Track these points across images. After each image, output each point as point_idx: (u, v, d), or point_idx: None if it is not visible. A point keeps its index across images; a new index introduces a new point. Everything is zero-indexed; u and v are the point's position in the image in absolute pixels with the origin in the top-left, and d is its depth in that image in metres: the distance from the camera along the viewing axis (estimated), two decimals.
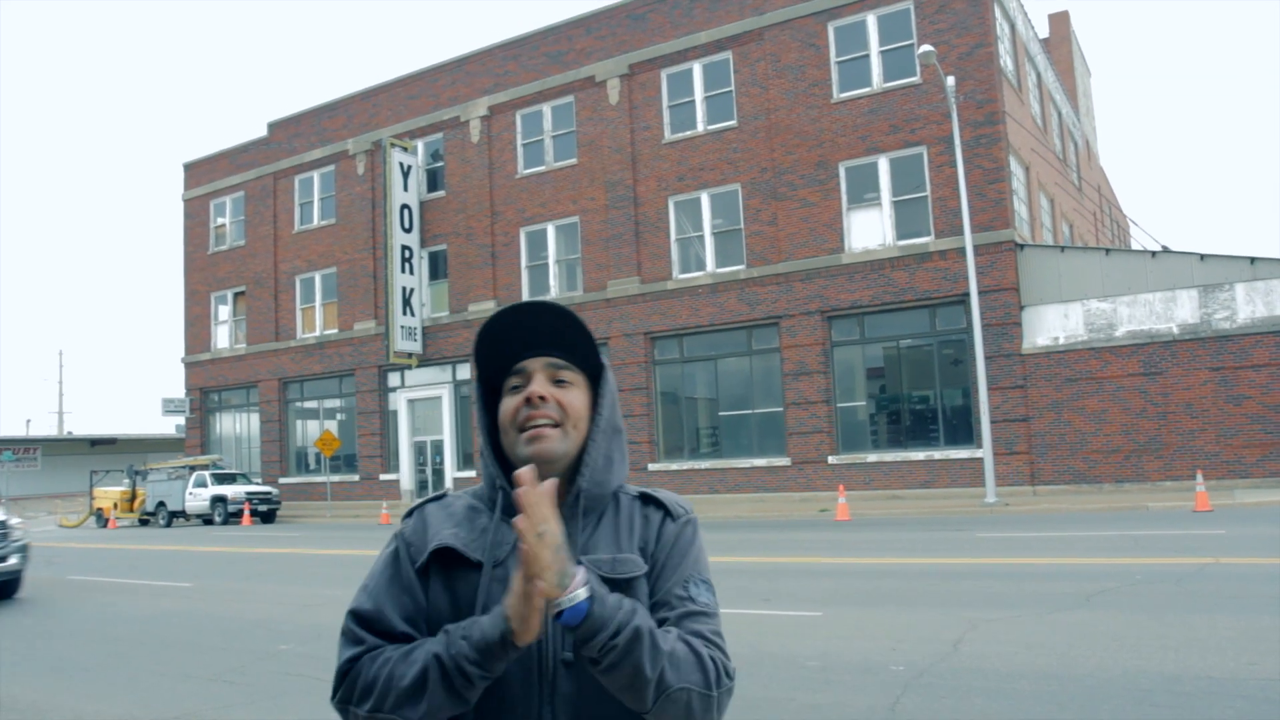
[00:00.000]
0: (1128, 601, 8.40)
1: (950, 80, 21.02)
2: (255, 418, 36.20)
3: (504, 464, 1.59)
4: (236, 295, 37.21)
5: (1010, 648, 6.85)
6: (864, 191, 23.90)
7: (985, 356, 20.83)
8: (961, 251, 21.62)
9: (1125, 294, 21.04)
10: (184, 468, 33.15)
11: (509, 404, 1.57)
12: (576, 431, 1.56)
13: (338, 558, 17.05)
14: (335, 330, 33.49)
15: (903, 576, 10.81)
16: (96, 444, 57.65)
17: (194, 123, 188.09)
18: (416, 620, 1.52)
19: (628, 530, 1.57)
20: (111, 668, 8.06)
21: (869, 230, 23.74)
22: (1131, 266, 21.40)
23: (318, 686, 6.93)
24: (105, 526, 33.84)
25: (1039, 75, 28.92)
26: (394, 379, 32.05)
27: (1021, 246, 22.27)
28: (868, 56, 23.96)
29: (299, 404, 35.19)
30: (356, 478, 32.38)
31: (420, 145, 31.79)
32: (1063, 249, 22.57)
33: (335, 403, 34.14)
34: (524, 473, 1.34)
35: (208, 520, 30.74)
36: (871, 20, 23.93)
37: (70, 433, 65.67)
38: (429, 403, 31.24)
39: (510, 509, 1.53)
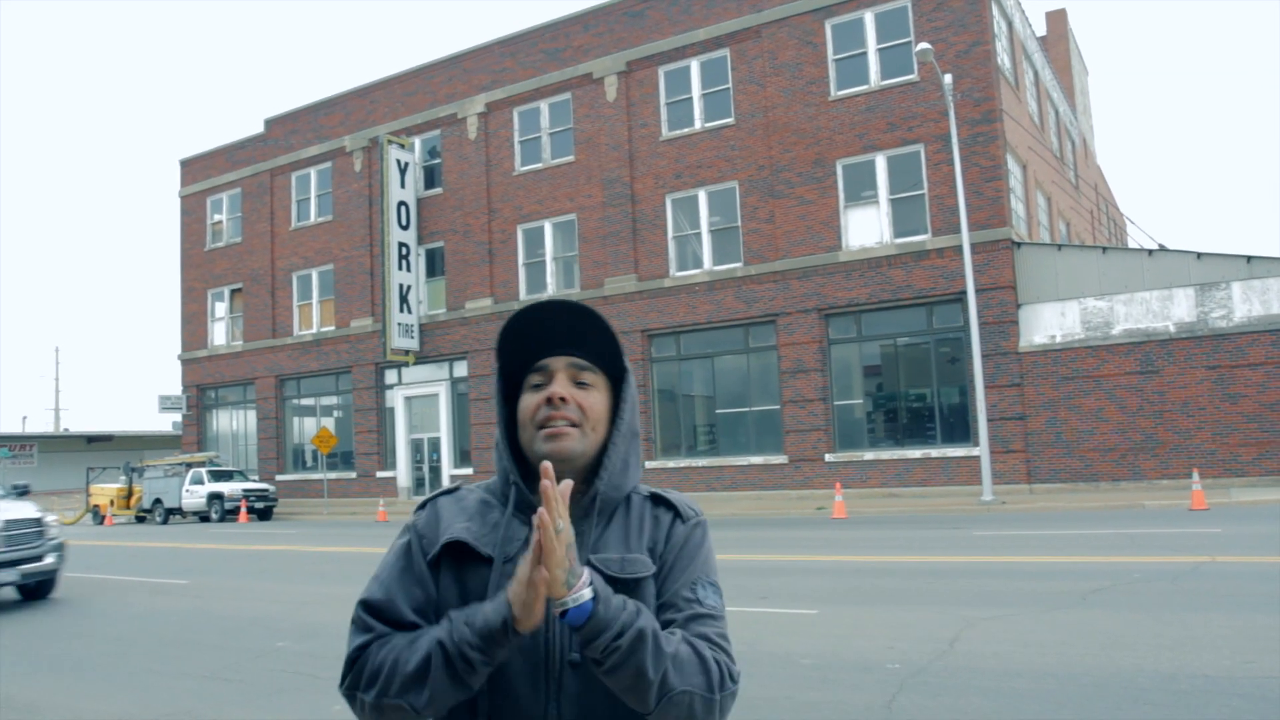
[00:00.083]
0: (1124, 600, 8.41)
1: (947, 78, 21.02)
2: (252, 415, 36.18)
3: (519, 460, 1.60)
4: (233, 292, 37.17)
5: (1007, 646, 6.86)
6: (861, 189, 23.91)
7: (982, 355, 20.85)
8: (958, 249, 21.63)
9: (1122, 292, 21.07)
10: (181, 465, 33.10)
11: (529, 401, 1.57)
12: (594, 434, 1.57)
13: (334, 555, 17.04)
14: (332, 327, 33.46)
15: (899, 575, 10.82)
16: (93, 441, 57.58)
17: (191, 119, 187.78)
18: (426, 612, 1.53)
19: (638, 530, 1.58)
20: (108, 666, 8.05)
21: (866, 228, 23.75)
22: (1128, 265, 21.42)
23: (314, 684, 6.93)
24: (102, 524, 33.79)
25: (1036, 73, 28.94)
26: (391, 376, 32.04)
27: (1018, 245, 22.28)
28: (865, 54, 23.96)
29: (296, 401, 35.16)
30: (353, 475, 32.38)
31: (417, 142, 31.77)
32: (1060, 247, 22.59)
33: (332, 400, 34.13)
34: (548, 466, 1.35)
35: (204, 517, 30.71)
36: (869, 18, 23.93)
37: (67, 430, 65.58)
38: (426, 400, 31.24)
39: (522, 505, 1.55)
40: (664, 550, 1.57)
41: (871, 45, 23.88)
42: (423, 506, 1.66)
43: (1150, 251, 21.39)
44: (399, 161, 30.81)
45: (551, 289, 28.51)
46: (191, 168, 38.78)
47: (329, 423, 33.56)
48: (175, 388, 39.17)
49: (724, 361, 25.81)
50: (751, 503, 23.55)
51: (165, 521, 31.81)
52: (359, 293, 32.70)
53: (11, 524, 11.41)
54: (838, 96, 24.17)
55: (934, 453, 22.40)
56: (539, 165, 29.09)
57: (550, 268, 28.74)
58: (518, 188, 29.41)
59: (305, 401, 35.03)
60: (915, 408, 23.27)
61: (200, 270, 37.94)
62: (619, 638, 1.35)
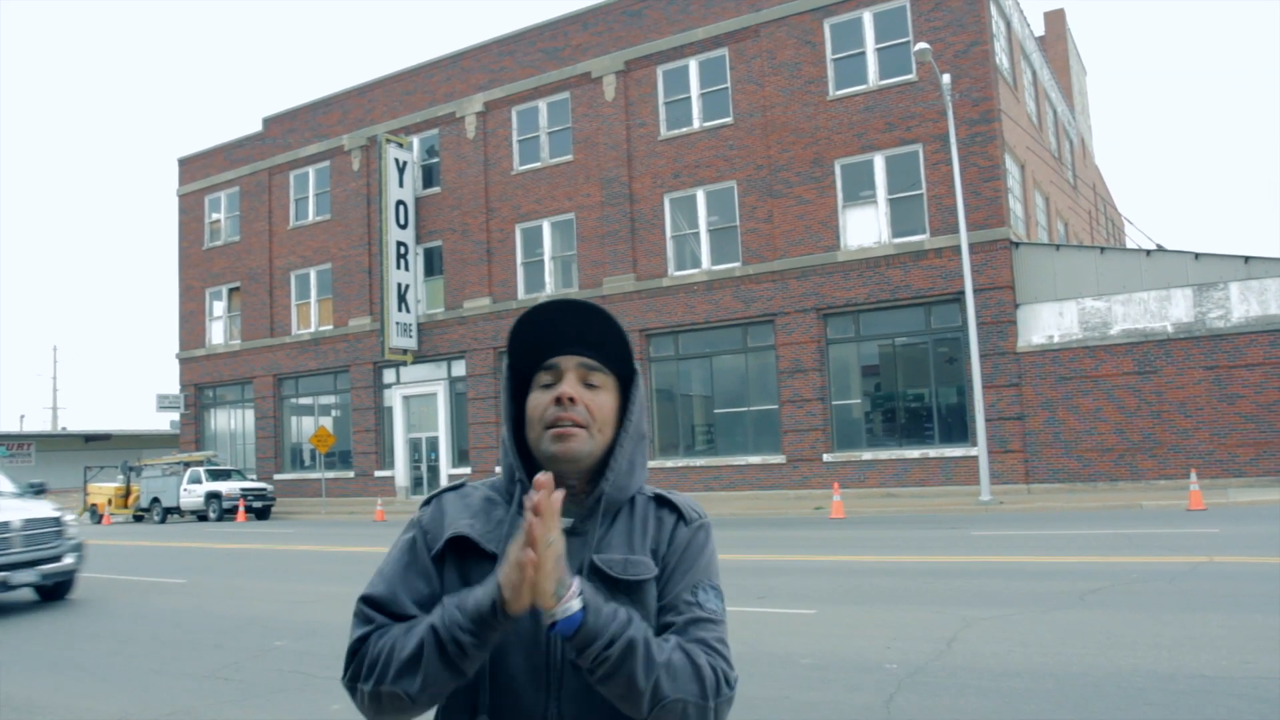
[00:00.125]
0: (1122, 600, 8.42)
1: (946, 78, 21.03)
2: (250, 414, 36.15)
3: (525, 457, 1.60)
4: (231, 291, 37.15)
5: (1005, 646, 6.86)
6: (860, 189, 23.92)
7: (980, 355, 20.86)
8: (957, 249, 21.64)
9: (1120, 293, 21.08)
10: (179, 464, 33.09)
11: (538, 399, 1.57)
12: (601, 435, 1.57)
13: (332, 554, 17.04)
14: (330, 326, 33.44)
15: (897, 574, 10.82)
16: (91, 440, 57.48)
17: (189, 118, 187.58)
18: (429, 606, 1.53)
19: (641, 531, 1.58)
20: (106, 664, 8.04)
21: (864, 228, 23.76)
22: (1126, 265, 21.44)
23: (312, 683, 6.93)
24: (99, 523, 33.76)
25: (1034, 73, 28.95)
26: (389, 375, 32.02)
27: (1017, 245, 22.30)
28: (864, 54, 23.97)
29: (294, 400, 35.15)
30: (351, 474, 32.36)
31: (416, 141, 31.75)
32: (1058, 247, 22.60)
33: (330, 399, 34.11)
34: (543, 478, 1.34)
35: (202, 516, 30.69)
36: (867, 17, 23.93)
37: (65, 428, 65.49)
38: (424, 399, 31.22)
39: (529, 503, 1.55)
40: (666, 553, 1.57)
41: (870, 45, 23.89)
42: (428, 502, 1.66)
43: (1148, 252, 21.40)
44: (397, 160, 30.79)
45: (550, 288, 28.51)
46: (190, 166, 38.75)
47: (327, 422, 33.55)
48: (173, 387, 39.17)
49: (722, 361, 25.81)
50: (749, 502, 23.55)
51: (163, 521, 31.78)
52: (357, 292, 32.68)
53: (31, 523, 11.20)
54: (836, 96, 24.18)
55: (932, 453, 22.41)
56: (537, 164, 29.08)
57: (549, 267, 28.73)
58: (516, 187, 29.40)
59: (303, 401, 35.01)
60: (913, 408, 23.28)
61: (198, 269, 37.91)
62: (609, 647, 1.36)
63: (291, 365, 34.35)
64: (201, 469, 31.66)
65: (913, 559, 12.28)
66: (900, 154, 23.37)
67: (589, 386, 1.57)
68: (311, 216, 34.50)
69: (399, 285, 30.44)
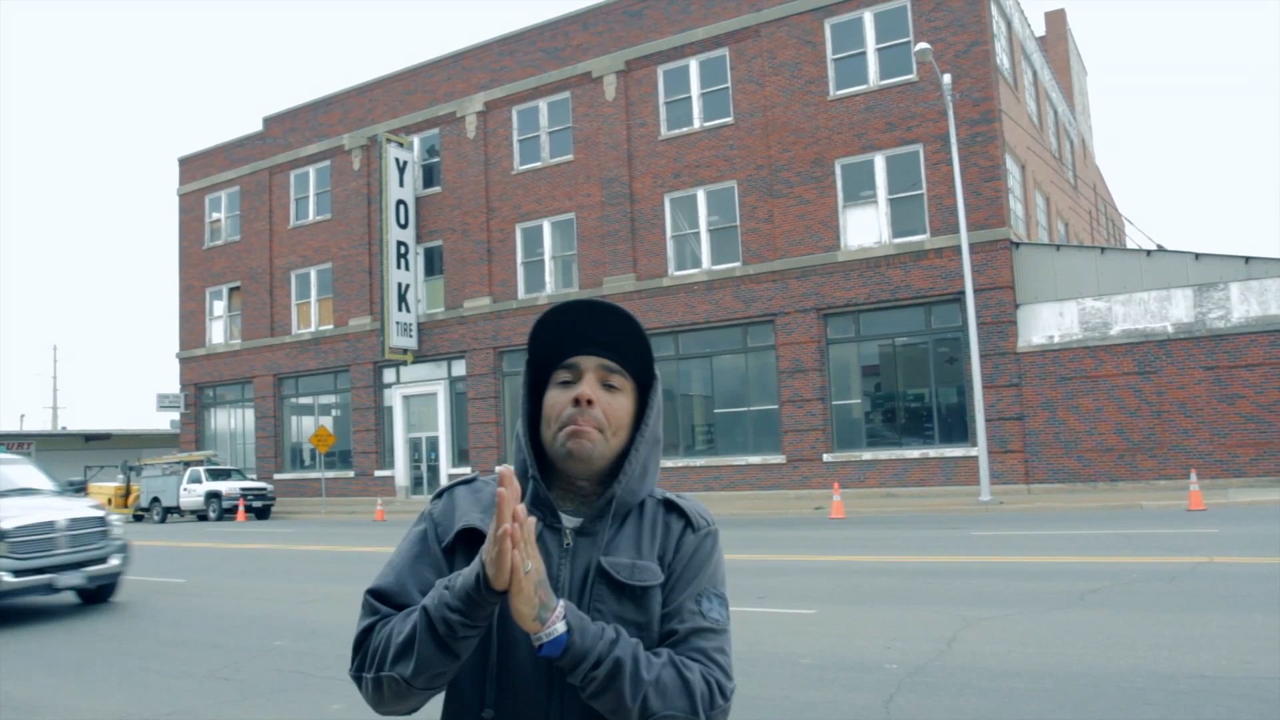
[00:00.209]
0: (1122, 600, 8.42)
1: (946, 78, 21.03)
2: (250, 414, 36.16)
3: (538, 453, 1.61)
4: (232, 291, 37.15)
5: (1004, 646, 6.87)
6: (860, 189, 23.92)
7: (980, 355, 20.87)
8: (957, 249, 21.64)
9: (1120, 293, 21.08)
10: (179, 463, 33.09)
11: (556, 397, 1.58)
12: (616, 438, 1.58)
13: (332, 554, 17.04)
14: (330, 326, 33.44)
15: (897, 574, 10.82)
16: (91, 439, 57.45)
17: (189, 117, 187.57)
18: None
19: (649, 536, 1.59)
20: (105, 664, 8.04)
21: (865, 228, 23.76)
22: (1126, 265, 21.44)
23: (312, 683, 6.93)
24: None
25: (1035, 73, 28.95)
26: (389, 375, 32.03)
27: (1017, 245, 22.30)
28: (864, 54, 23.96)
29: (294, 400, 35.15)
30: (351, 474, 32.37)
31: (416, 141, 31.75)
32: (1058, 247, 22.60)
33: (330, 399, 34.12)
34: (503, 472, 1.35)
35: (202, 516, 30.69)
36: (868, 17, 23.93)
37: (65, 428, 65.47)
38: (424, 399, 31.23)
39: (538, 500, 1.56)
40: (673, 560, 1.58)
41: (870, 45, 23.89)
42: (439, 495, 1.68)
43: (1148, 252, 21.40)
44: (398, 160, 30.79)
45: (550, 288, 28.51)
46: (190, 166, 38.75)
47: (327, 421, 33.55)
48: (173, 386, 39.19)
49: (722, 361, 25.82)
50: (749, 502, 23.55)
51: (163, 520, 31.79)
52: (357, 291, 32.69)
53: (76, 522, 10.73)
54: (837, 96, 24.18)
55: (932, 453, 22.42)
56: (538, 164, 29.08)
57: (549, 267, 28.73)
58: (516, 187, 29.40)
59: (303, 400, 35.02)
60: (913, 408, 23.28)
61: (199, 268, 37.92)
62: (595, 668, 1.38)
63: (292, 365, 34.35)
64: (201, 469, 31.66)
65: (913, 559, 12.28)
66: (901, 154, 23.37)
67: (608, 388, 1.58)
68: (312, 216, 34.50)
69: (399, 285, 30.45)
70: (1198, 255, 20.75)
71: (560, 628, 1.36)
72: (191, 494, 30.95)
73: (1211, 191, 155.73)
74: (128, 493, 34.59)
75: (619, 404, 1.58)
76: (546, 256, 28.78)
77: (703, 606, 1.54)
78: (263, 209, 35.71)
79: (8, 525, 10.15)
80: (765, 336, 24.93)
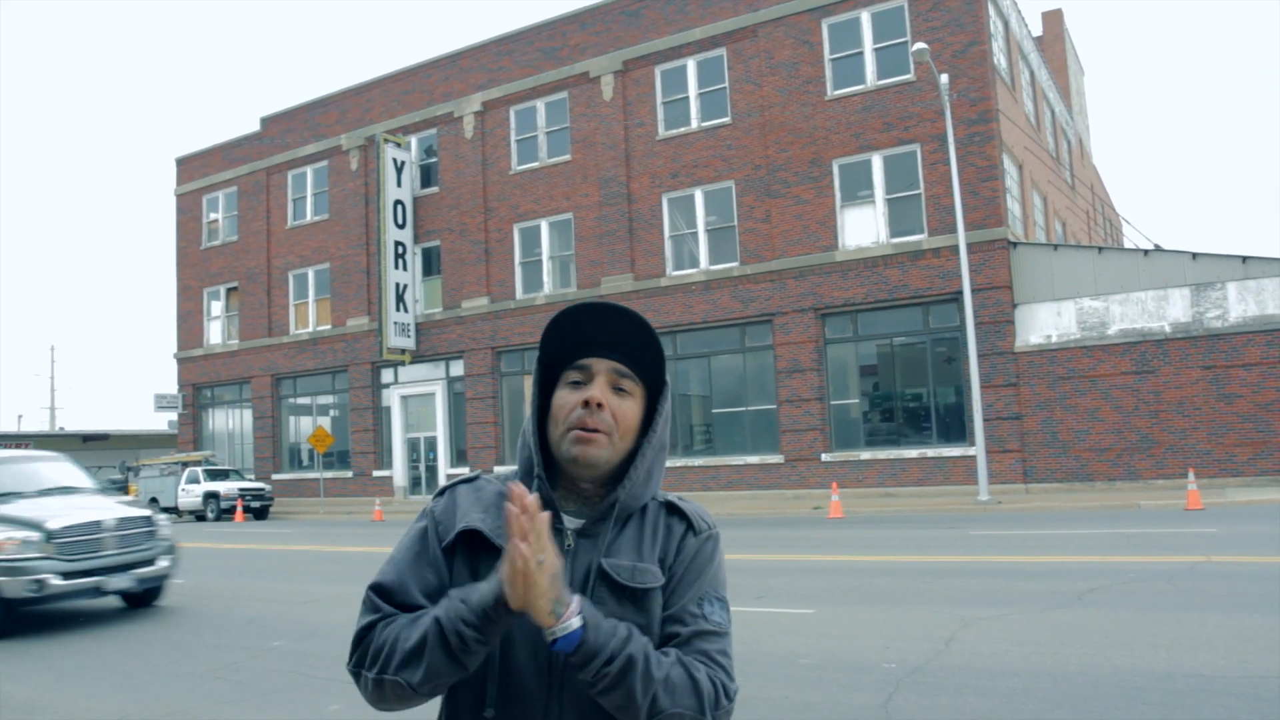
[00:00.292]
0: (1120, 599, 8.43)
1: (944, 78, 21.04)
2: (248, 414, 36.14)
3: (546, 453, 1.61)
4: (229, 291, 37.12)
5: (1003, 645, 6.87)
6: (858, 189, 23.93)
7: (978, 354, 20.88)
8: (955, 249, 21.66)
9: (1117, 292, 21.11)
10: (177, 464, 33.09)
11: (566, 398, 1.58)
12: (622, 442, 1.58)
13: (331, 555, 17.04)
14: (328, 326, 33.43)
15: (895, 574, 10.83)
16: (89, 440, 57.39)
17: (187, 117, 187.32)
18: (437, 597, 1.55)
19: (651, 538, 1.59)
20: (105, 664, 8.03)
21: (862, 228, 23.77)
22: (1124, 265, 21.46)
23: (310, 683, 6.93)
24: None
25: (1032, 73, 28.98)
26: (387, 375, 32.02)
27: (1014, 245, 22.31)
28: (861, 54, 23.98)
29: (292, 400, 35.13)
30: (349, 474, 32.35)
31: (414, 141, 31.74)
32: (1055, 247, 22.63)
33: (328, 399, 34.10)
34: (514, 489, 1.36)
35: (200, 516, 30.67)
36: (865, 17, 23.94)
37: (62, 428, 65.39)
38: (422, 399, 31.22)
39: (542, 500, 1.56)
40: (674, 563, 1.58)
41: (868, 45, 23.90)
42: (441, 493, 1.68)
43: (1146, 252, 21.43)
44: (395, 160, 30.78)
45: (548, 288, 28.51)
46: (187, 166, 38.72)
47: (325, 422, 33.53)
48: (171, 386, 39.14)
49: (720, 361, 25.82)
50: (748, 502, 23.56)
51: None
52: (355, 291, 32.67)
53: (124, 522, 10.31)
54: (834, 96, 24.19)
55: (930, 452, 22.43)
56: (535, 164, 29.08)
57: (547, 267, 28.73)
58: (514, 187, 29.40)
59: (301, 400, 35.00)
60: (911, 407, 23.30)
61: (196, 269, 37.89)
62: (608, 664, 1.38)
63: (289, 365, 34.33)
64: (199, 469, 31.64)
65: (911, 559, 12.29)
66: (898, 154, 23.39)
67: (618, 392, 1.59)
68: (309, 216, 34.48)
69: (397, 285, 30.44)
70: (1195, 255, 20.77)
71: (575, 623, 1.37)
72: (189, 494, 30.93)
73: (1209, 191, 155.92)
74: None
75: (628, 408, 1.59)
76: (544, 257, 28.78)
77: (704, 609, 1.55)
78: (260, 209, 35.69)
79: (54, 525, 9.67)
80: (763, 336, 24.94)
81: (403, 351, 30.62)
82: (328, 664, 7.39)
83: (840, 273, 23.67)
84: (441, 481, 29.53)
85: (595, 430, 1.54)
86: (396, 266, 30.50)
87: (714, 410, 25.88)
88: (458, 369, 30.39)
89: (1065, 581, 9.44)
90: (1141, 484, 20.36)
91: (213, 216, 37.75)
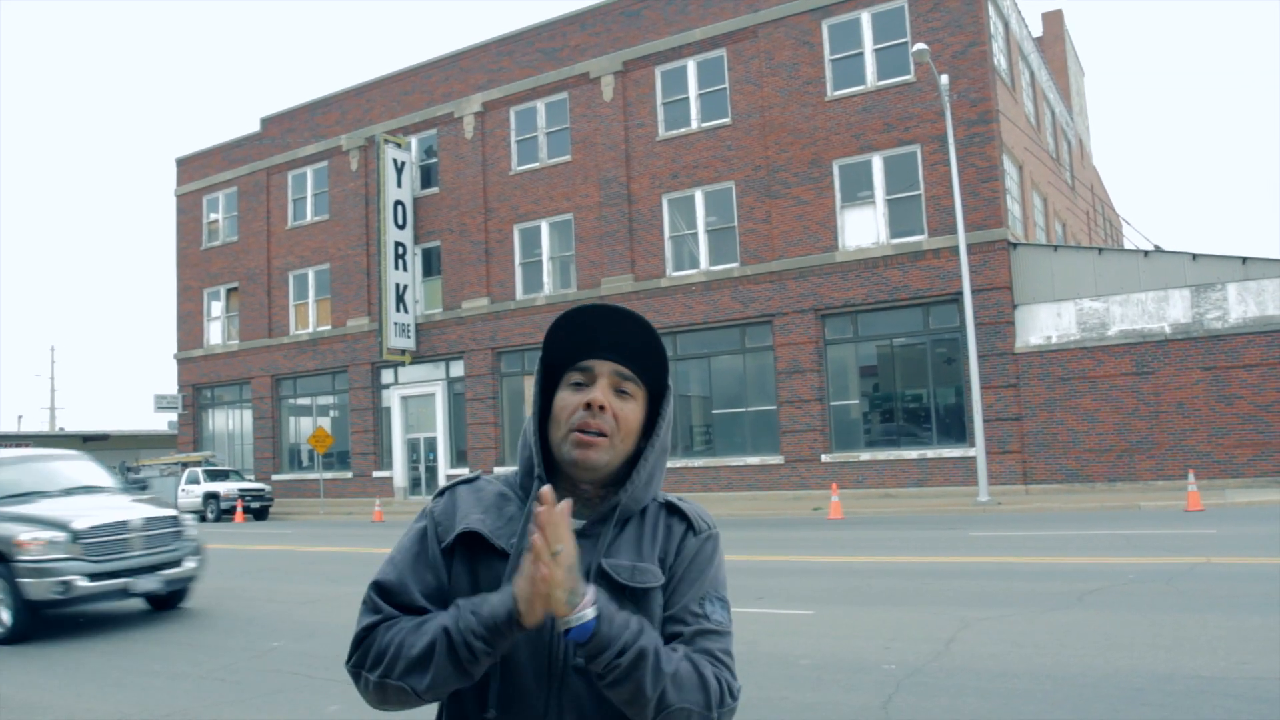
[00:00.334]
0: (1120, 600, 8.43)
1: (944, 79, 21.04)
2: (248, 414, 36.13)
3: (546, 452, 1.62)
4: (229, 291, 37.12)
5: (1003, 646, 6.87)
6: (858, 190, 23.93)
7: (978, 355, 20.88)
8: (955, 250, 21.66)
9: (1118, 293, 21.10)
10: (177, 464, 33.09)
11: (567, 399, 1.58)
12: (623, 445, 1.58)
13: (330, 555, 17.04)
14: (328, 327, 33.43)
15: (895, 575, 10.83)
16: (89, 440, 57.35)
17: (187, 118, 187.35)
18: (436, 598, 1.55)
19: (650, 539, 1.60)
20: (104, 665, 8.03)
21: (863, 228, 23.77)
22: (1124, 266, 21.46)
23: (310, 684, 6.93)
24: None
25: (1032, 74, 28.98)
26: (387, 376, 32.01)
27: (1014, 245, 22.31)
28: (862, 54, 23.98)
29: (292, 400, 35.13)
30: (349, 475, 32.35)
31: (414, 141, 31.75)
32: (1055, 248, 22.62)
33: (328, 399, 34.09)
34: (545, 492, 1.36)
35: (200, 517, 30.61)
36: (865, 18, 23.95)
37: (62, 429, 65.37)
38: (422, 400, 31.22)
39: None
40: (674, 563, 1.58)
41: (868, 45, 23.90)
42: (441, 494, 1.68)
43: (1146, 253, 21.43)
44: (395, 161, 30.78)
45: (548, 289, 28.51)
46: (187, 166, 38.72)
47: (325, 422, 33.53)
48: (171, 387, 39.12)
49: (720, 362, 25.82)
50: (748, 503, 23.56)
51: None
52: (355, 292, 32.67)
53: (150, 522, 10.05)
54: (834, 97, 24.19)
55: (930, 453, 22.43)
56: (535, 165, 29.08)
57: (547, 267, 28.73)
58: (514, 187, 29.40)
59: (301, 401, 35.00)
60: (911, 408, 23.30)
61: (196, 269, 37.89)
62: (620, 656, 1.38)
63: (289, 365, 34.33)
64: (199, 469, 31.65)
65: (911, 560, 12.29)
66: (898, 154, 23.39)
67: (620, 394, 1.58)
68: (310, 217, 34.48)
69: (397, 285, 30.44)
70: (1195, 256, 20.77)
71: (590, 613, 1.37)
72: (189, 495, 30.91)
73: (1209, 192, 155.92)
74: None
75: (630, 411, 1.59)
76: (544, 257, 28.78)
77: (706, 609, 1.55)
78: (260, 210, 35.69)
79: (81, 525, 9.43)
80: (763, 337, 24.93)
81: (403, 352, 30.62)
82: (327, 664, 7.38)
83: (840, 273, 23.67)
84: (441, 482, 29.52)
85: (597, 433, 1.54)
86: (396, 267, 30.50)
87: (714, 411, 25.88)
88: (458, 370, 30.39)
89: (1065, 583, 9.44)
90: (1141, 485, 20.35)
91: (213, 217, 37.75)
